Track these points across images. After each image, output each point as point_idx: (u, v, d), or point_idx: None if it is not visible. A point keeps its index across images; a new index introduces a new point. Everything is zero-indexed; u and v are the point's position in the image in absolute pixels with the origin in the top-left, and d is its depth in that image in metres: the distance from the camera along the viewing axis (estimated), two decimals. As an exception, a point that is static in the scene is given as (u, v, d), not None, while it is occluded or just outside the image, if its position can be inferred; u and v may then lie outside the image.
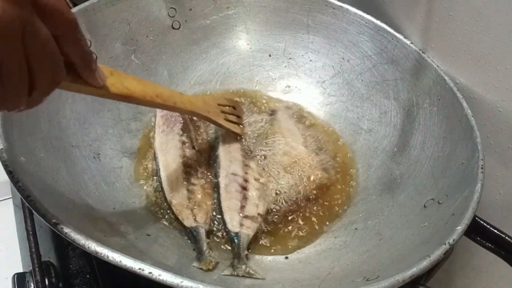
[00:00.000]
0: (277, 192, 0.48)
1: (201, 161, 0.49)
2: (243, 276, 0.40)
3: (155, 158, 0.49)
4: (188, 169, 0.48)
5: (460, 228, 0.37)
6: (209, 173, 0.48)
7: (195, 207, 0.45)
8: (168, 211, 0.45)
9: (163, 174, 0.47)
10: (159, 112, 0.53)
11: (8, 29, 0.23)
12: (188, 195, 0.45)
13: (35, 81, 0.26)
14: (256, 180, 0.48)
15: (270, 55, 0.62)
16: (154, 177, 0.48)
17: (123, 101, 0.39)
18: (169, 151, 0.49)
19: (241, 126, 0.53)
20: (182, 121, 0.52)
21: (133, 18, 0.55)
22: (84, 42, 0.30)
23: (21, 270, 0.44)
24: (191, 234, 0.43)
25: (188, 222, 0.43)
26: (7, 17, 0.23)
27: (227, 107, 0.53)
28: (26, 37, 0.24)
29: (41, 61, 0.26)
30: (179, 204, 0.45)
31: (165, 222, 0.45)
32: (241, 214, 0.44)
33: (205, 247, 0.41)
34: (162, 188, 0.46)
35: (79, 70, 0.31)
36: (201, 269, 0.40)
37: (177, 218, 0.44)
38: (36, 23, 0.25)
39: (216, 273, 0.40)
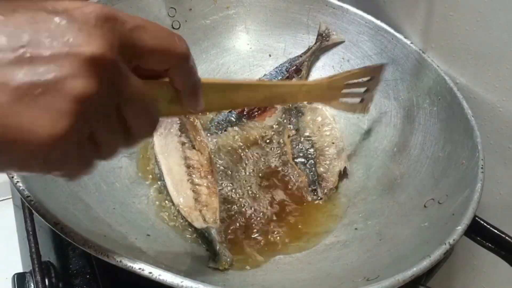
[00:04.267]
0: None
1: (203, 160, 0.49)
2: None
3: (156, 161, 0.49)
4: (190, 169, 0.48)
5: (460, 228, 0.37)
6: (212, 171, 0.48)
7: (203, 207, 0.45)
8: (169, 211, 0.45)
9: (167, 178, 0.47)
10: None
11: (100, 106, 0.22)
12: (194, 196, 0.45)
13: (131, 135, 0.25)
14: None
15: (270, 55, 0.62)
16: (159, 182, 0.48)
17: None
18: (170, 154, 0.49)
19: (362, 100, 0.49)
20: (178, 122, 0.52)
21: (133, 18, 0.54)
22: (195, 71, 0.28)
23: (21, 270, 0.43)
24: (202, 235, 0.43)
25: (199, 224, 0.43)
26: (99, 94, 0.21)
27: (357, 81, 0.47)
28: (121, 106, 0.23)
29: (137, 119, 0.25)
30: (186, 206, 0.45)
31: (165, 222, 0.45)
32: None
33: (218, 246, 0.41)
34: (167, 192, 0.46)
35: (183, 98, 0.29)
36: (217, 269, 0.40)
37: (177, 218, 0.44)
38: (128, 87, 0.23)
39: (216, 273, 0.40)
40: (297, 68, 0.57)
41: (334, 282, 0.39)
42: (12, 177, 0.34)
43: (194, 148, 0.50)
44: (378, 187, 0.50)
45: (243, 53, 0.62)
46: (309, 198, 0.48)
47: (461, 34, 0.50)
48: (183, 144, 0.50)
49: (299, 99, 0.43)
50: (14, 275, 0.42)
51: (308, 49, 0.59)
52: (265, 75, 0.58)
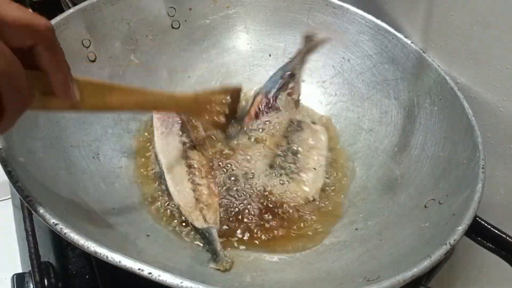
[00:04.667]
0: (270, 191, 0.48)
1: (203, 160, 0.49)
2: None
3: (157, 161, 0.49)
4: (191, 169, 0.47)
5: (461, 228, 0.37)
6: (212, 172, 0.48)
7: (204, 207, 0.44)
8: (169, 211, 0.45)
9: (167, 177, 0.47)
10: (156, 114, 0.53)
11: None
12: (195, 196, 0.45)
13: (3, 109, 0.25)
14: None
15: (270, 55, 0.62)
16: (159, 181, 0.48)
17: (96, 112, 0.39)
18: (171, 153, 0.49)
19: (223, 116, 0.51)
20: (180, 121, 0.52)
21: (132, 17, 0.54)
22: (60, 50, 0.28)
23: (20, 271, 0.43)
24: (203, 235, 0.43)
25: (199, 224, 0.43)
26: None
27: (221, 98, 0.51)
28: None
29: (5, 88, 0.25)
30: (187, 206, 0.44)
31: (165, 223, 0.44)
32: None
33: (219, 247, 0.41)
34: (168, 191, 0.46)
35: (53, 83, 0.29)
36: (218, 269, 0.40)
37: (178, 218, 0.44)
38: None
39: (216, 273, 0.40)
40: (291, 73, 0.57)
41: (334, 282, 0.39)
42: (12, 177, 0.34)
43: (195, 148, 0.50)
44: (378, 187, 0.50)
45: (243, 53, 0.62)
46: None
47: (462, 34, 0.50)
48: (184, 144, 0.50)
49: (169, 109, 0.46)
50: (13, 276, 0.42)
51: (298, 53, 0.59)
52: (260, 88, 0.57)
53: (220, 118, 0.51)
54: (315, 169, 0.50)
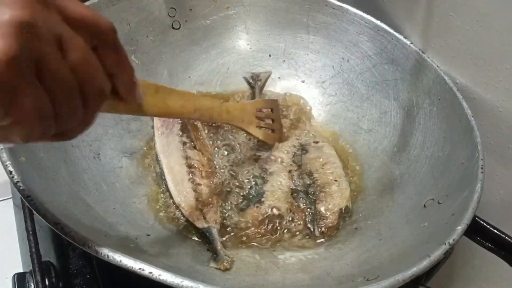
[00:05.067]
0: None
1: (204, 160, 0.49)
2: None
3: (157, 161, 0.49)
4: (191, 169, 0.48)
5: (460, 228, 0.37)
6: (212, 171, 0.48)
7: (204, 207, 0.45)
8: (169, 211, 0.45)
9: (168, 177, 0.47)
10: None
11: (44, 40, 0.22)
12: (196, 196, 0.45)
13: (85, 98, 0.24)
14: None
15: (270, 55, 0.62)
16: (160, 181, 0.48)
17: (166, 117, 0.41)
18: (171, 153, 0.49)
19: (273, 131, 0.52)
20: (180, 122, 0.52)
21: (133, 18, 0.55)
22: (123, 51, 0.27)
23: (21, 270, 0.43)
24: (203, 234, 0.43)
25: (200, 223, 0.43)
26: (40, 26, 0.21)
27: (264, 111, 0.52)
28: (67, 51, 0.23)
29: (86, 73, 0.24)
30: (188, 206, 0.45)
31: (165, 222, 0.45)
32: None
33: (219, 246, 0.41)
34: (168, 191, 0.46)
35: (118, 85, 0.28)
36: (219, 269, 0.40)
37: (178, 218, 0.44)
38: (70, 33, 0.23)
39: (217, 273, 0.40)
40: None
41: (334, 282, 0.39)
42: (13, 177, 0.34)
43: (195, 148, 0.50)
44: (378, 187, 0.50)
45: (243, 53, 0.62)
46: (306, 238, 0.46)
47: (461, 34, 0.50)
48: (184, 144, 0.50)
49: (223, 118, 0.45)
50: (14, 275, 0.42)
51: (253, 94, 0.59)
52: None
53: (268, 130, 0.52)
54: (336, 181, 0.49)
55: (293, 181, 0.50)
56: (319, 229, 0.46)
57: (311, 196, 0.48)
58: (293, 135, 0.55)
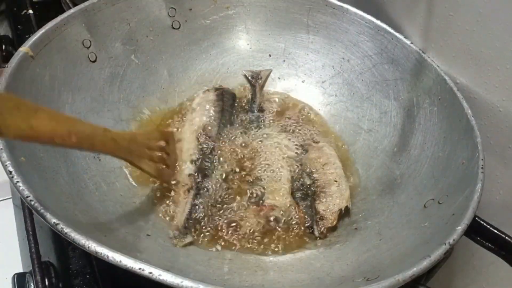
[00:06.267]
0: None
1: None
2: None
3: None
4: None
5: (460, 228, 0.37)
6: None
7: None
8: (169, 211, 0.45)
9: None
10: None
11: None
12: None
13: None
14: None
15: (270, 55, 0.62)
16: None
17: (25, 142, 0.33)
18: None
19: (168, 166, 0.47)
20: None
21: (133, 18, 0.55)
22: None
23: (21, 270, 0.44)
24: None
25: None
26: None
27: (157, 143, 0.46)
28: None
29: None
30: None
31: (165, 222, 0.45)
32: None
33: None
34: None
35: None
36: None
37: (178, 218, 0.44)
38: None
39: (217, 273, 0.40)
40: (261, 110, 0.58)
41: (334, 282, 0.39)
42: (12, 177, 0.34)
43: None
44: (378, 187, 0.50)
45: (243, 53, 0.62)
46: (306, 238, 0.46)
47: (461, 34, 0.50)
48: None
49: (107, 147, 0.38)
50: (14, 275, 0.42)
51: (254, 92, 0.59)
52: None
53: (161, 165, 0.46)
54: (336, 181, 0.49)
55: (294, 181, 0.50)
56: (319, 230, 0.46)
57: (310, 196, 0.48)
58: (293, 135, 0.55)
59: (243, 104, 0.58)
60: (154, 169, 0.44)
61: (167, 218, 0.45)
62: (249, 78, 0.60)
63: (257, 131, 0.55)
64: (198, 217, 0.45)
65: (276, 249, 0.44)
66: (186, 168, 0.48)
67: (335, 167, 0.51)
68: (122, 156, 0.41)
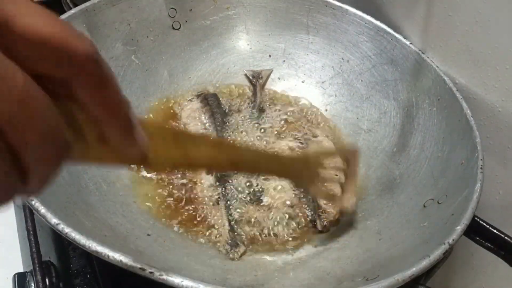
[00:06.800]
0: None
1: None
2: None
3: None
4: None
5: (460, 228, 0.37)
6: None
7: None
8: (170, 211, 0.45)
9: None
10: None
11: None
12: None
13: (27, 169, 0.16)
14: None
15: (270, 56, 0.62)
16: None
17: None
18: None
19: (346, 194, 0.43)
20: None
21: (133, 18, 0.55)
22: (111, 82, 0.18)
23: (21, 270, 0.44)
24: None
25: None
26: None
27: (335, 163, 0.41)
28: None
29: (22, 137, 0.15)
30: None
31: (165, 222, 0.45)
32: None
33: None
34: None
35: (106, 133, 0.20)
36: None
37: (178, 217, 0.45)
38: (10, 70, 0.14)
39: (216, 273, 0.40)
40: (262, 109, 0.58)
41: (334, 282, 0.39)
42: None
43: None
44: (378, 187, 0.50)
45: (243, 53, 0.62)
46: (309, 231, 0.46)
47: (461, 35, 0.50)
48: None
49: (273, 171, 0.34)
50: (14, 275, 0.42)
51: (255, 91, 0.59)
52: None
53: (335, 187, 0.42)
54: (336, 175, 0.49)
55: None
56: (322, 224, 0.46)
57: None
58: (293, 132, 0.55)
59: (242, 103, 0.58)
60: (325, 194, 0.41)
61: (168, 218, 0.45)
62: (250, 77, 0.60)
63: (258, 130, 0.55)
64: (238, 220, 0.45)
65: (276, 249, 0.44)
66: (205, 181, 0.48)
67: (335, 161, 0.51)
68: (291, 179, 0.38)
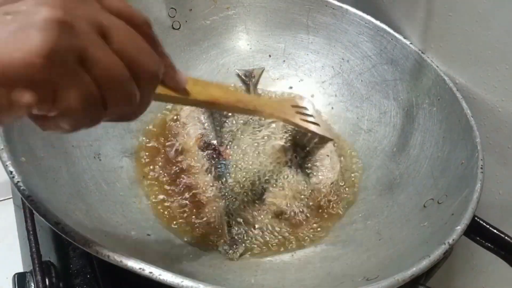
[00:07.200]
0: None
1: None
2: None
3: None
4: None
5: (460, 228, 0.37)
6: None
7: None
8: (170, 211, 0.45)
9: None
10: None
11: (83, 30, 0.22)
12: None
13: (138, 80, 0.25)
14: None
15: (270, 56, 0.62)
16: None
17: (208, 108, 0.42)
18: None
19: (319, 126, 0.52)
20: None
21: (133, 18, 0.55)
22: (159, 42, 0.29)
23: (21, 270, 0.43)
24: None
25: None
26: (77, 17, 0.22)
27: (301, 108, 0.52)
28: (111, 37, 0.24)
29: (135, 55, 0.25)
30: None
31: (165, 222, 0.45)
32: None
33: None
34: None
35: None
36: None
37: (178, 217, 0.45)
38: (112, 19, 0.24)
39: (216, 273, 0.40)
40: None
41: (334, 282, 0.39)
42: (13, 177, 0.34)
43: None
44: (378, 187, 0.50)
45: (243, 53, 0.62)
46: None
47: (461, 35, 0.50)
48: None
49: (266, 110, 0.45)
50: (14, 275, 0.42)
51: (248, 92, 0.59)
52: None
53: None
54: (328, 155, 0.51)
55: (286, 151, 0.51)
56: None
57: (303, 170, 0.50)
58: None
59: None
60: (312, 126, 0.50)
61: (168, 218, 0.45)
62: (242, 77, 0.60)
63: (251, 126, 0.55)
64: (238, 221, 0.45)
65: (276, 249, 0.44)
66: (204, 181, 0.48)
67: (325, 141, 0.53)
68: (280, 116, 0.47)
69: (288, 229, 0.46)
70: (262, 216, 0.46)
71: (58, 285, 0.41)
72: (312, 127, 0.51)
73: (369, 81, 0.58)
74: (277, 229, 0.46)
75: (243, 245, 0.43)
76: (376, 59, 0.57)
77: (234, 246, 0.43)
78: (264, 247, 0.44)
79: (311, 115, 0.52)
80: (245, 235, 0.44)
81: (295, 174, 0.49)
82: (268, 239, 0.45)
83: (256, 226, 0.45)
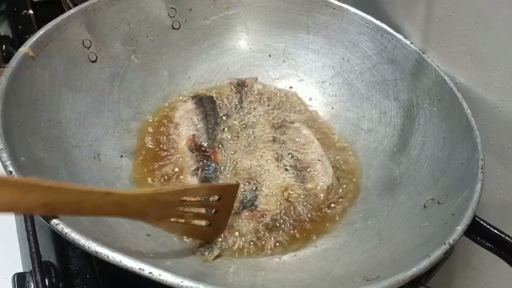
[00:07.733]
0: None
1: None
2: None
3: None
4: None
5: (460, 228, 0.37)
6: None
7: None
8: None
9: None
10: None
11: None
12: None
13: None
14: None
15: (270, 55, 0.62)
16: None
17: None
18: None
19: (210, 225, 0.41)
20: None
21: (133, 18, 0.55)
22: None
23: (21, 270, 0.44)
24: None
25: None
26: None
27: (199, 201, 0.39)
28: None
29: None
30: None
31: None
32: None
33: None
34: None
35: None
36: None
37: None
38: None
39: (217, 273, 0.40)
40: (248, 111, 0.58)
41: (334, 282, 0.39)
42: (13, 177, 0.34)
43: None
44: (378, 187, 0.50)
45: (243, 53, 0.62)
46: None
47: (461, 35, 0.50)
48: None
49: (107, 212, 0.33)
50: (14, 275, 0.42)
51: (241, 100, 0.59)
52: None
53: (196, 224, 0.40)
54: (319, 160, 0.51)
55: (282, 162, 0.51)
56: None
57: (297, 177, 0.50)
58: (273, 120, 0.56)
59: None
60: (180, 229, 0.39)
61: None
62: (235, 85, 0.60)
63: (244, 130, 0.55)
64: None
65: (276, 250, 0.44)
66: (190, 182, 0.48)
67: (315, 146, 0.53)
68: (135, 218, 0.35)
69: (287, 231, 0.46)
70: (249, 222, 0.45)
71: (58, 285, 0.41)
72: (180, 231, 0.40)
73: (369, 81, 0.58)
74: (267, 234, 0.45)
75: (218, 246, 0.42)
76: (376, 59, 0.57)
77: (210, 249, 0.42)
78: (259, 250, 0.44)
79: (215, 210, 0.41)
80: (224, 240, 0.43)
81: (288, 179, 0.49)
82: (257, 244, 0.45)
83: (243, 231, 0.45)
